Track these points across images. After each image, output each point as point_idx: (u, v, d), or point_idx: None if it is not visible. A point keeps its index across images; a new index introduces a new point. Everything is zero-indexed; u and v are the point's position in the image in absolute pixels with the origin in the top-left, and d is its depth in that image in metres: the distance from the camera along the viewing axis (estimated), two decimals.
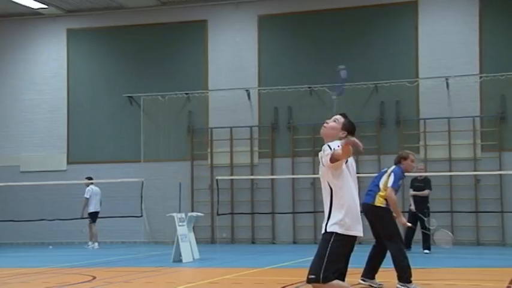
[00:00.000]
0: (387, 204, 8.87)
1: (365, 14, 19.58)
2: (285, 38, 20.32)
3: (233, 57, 20.43)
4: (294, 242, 19.06)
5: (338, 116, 5.43)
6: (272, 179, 19.42)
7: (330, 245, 4.94)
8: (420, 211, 15.36)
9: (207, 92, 20.44)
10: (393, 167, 9.32)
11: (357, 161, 20.47)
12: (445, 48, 18.86)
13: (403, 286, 8.57)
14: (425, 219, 15.05)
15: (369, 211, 8.87)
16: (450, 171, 18.19)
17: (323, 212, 5.35)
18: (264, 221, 19.61)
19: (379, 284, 8.92)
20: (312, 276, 4.93)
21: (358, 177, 17.80)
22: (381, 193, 8.95)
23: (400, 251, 8.65)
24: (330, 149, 5.10)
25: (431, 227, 14.94)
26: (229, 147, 20.18)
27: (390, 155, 18.79)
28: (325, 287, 4.91)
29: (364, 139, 19.14)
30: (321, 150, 5.22)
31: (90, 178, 18.93)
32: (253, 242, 19.79)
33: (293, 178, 19.21)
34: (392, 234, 8.75)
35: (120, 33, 21.47)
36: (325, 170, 5.14)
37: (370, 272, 8.97)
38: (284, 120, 19.84)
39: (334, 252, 4.92)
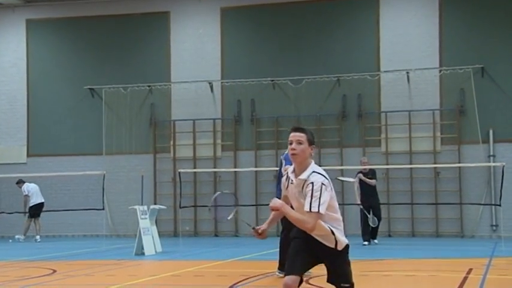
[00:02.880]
0: None
1: (327, 7, 19.70)
2: (248, 31, 20.32)
3: (196, 50, 20.35)
4: (236, 236, 19.14)
5: (297, 134, 4.98)
6: (235, 172, 19.45)
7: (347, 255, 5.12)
8: (369, 205, 15.26)
9: (170, 84, 20.32)
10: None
11: (319, 154, 20.79)
12: (406, 42, 19.11)
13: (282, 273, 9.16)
14: (369, 216, 15.11)
15: None
16: (411, 164, 18.48)
17: None
18: (227, 214, 19.59)
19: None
20: (348, 285, 5.05)
21: None
22: None
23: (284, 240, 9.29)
24: (314, 197, 4.81)
25: (372, 225, 15.12)
26: (192, 140, 20.13)
27: (352, 148, 19.15)
28: None
29: (326, 132, 19.38)
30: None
31: (20, 181, 18.71)
32: (216, 235, 19.80)
33: (256, 171, 19.28)
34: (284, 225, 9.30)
35: (82, 24, 21.16)
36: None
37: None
38: (247, 113, 19.87)
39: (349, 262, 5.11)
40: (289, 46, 19.78)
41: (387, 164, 18.58)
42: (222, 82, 20.02)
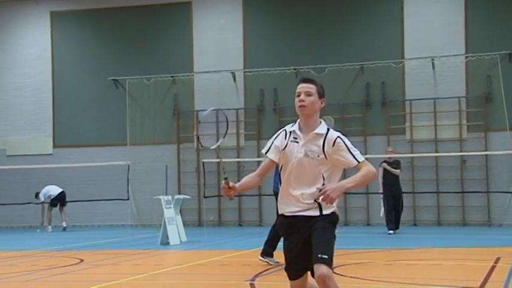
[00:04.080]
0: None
1: None
2: (270, 20, 20.23)
3: (218, 40, 20.33)
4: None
5: (307, 85, 4.52)
6: (258, 161, 19.42)
7: (333, 227, 4.47)
8: (392, 194, 15.22)
9: (193, 75, 20.35)
10: None
11: None
12: (431, 29, 18.87)
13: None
14: (383, 208, 15.11)
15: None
16: (436, 152, 18.29)
17: None
18: (251, 203, 19.65)
19: (277, 262, 9.27)
20: (325, 257, 4.28)
21: None
22: None
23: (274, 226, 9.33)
24: (352, 148, 4.42)
25: (381, 215, 15.11)
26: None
27: (376, 136, 19.00)
28: (331, 273, 4.30)
29: (349, 121, 19.25)
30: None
31: (36, 194, 18.98)
32: (240, 225, 19.84)
33: None
34: None
35: (105, 16, 21.25)
36: (324, 161, 4.40)
37: (270, 250, 9.42)
38: (270, 103, 19.82)
39: (334, 235, 4.48)
40: (312, 34, 19.66)
41: (412, 153, 18.41)
42: (244, 72, 19.98)
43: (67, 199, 18.92)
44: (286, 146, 4.53)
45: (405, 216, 17.69)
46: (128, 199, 18.14)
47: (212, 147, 4.66)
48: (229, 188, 4.47)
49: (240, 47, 20.13)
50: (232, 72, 20.01)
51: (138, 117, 20.63)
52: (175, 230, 13.65)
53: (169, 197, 14.05)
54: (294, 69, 19.48)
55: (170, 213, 13.63)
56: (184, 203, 15.50)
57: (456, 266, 9.72)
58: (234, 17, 20.23)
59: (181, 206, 15.03)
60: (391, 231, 15.19)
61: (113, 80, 20.81)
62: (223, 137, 4.67)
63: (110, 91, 20.92)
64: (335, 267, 8.65)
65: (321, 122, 4.53)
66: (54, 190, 18.89)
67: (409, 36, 18.97)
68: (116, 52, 21.10)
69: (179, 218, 14.22)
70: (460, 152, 18.15)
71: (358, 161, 4.41)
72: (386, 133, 18.83)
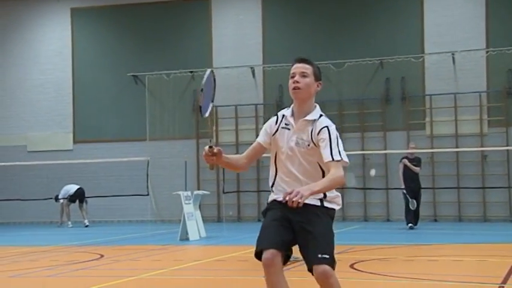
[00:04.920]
0: None
1: None
2: (289, 15, 20.17)
3: (237, 35, 20.32)
4: None
5: (302, 65, 4.07)
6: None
7: (331, 223, 4.04)
8: (411, 189, 15.15)
9: (211, 70, 20.31)
10: None
11: (362, 138, 20.63)
12: (451, 23, 18.68)
13: None
14: (410, 200, 14.98)
15: None
16: (457, 147, 18.12)
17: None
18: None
19: (296, 258, 9.08)
20: (327, 256, 3.86)
21: (363, 154, 17.77)
22: None
23: None
24: (334, 143, 3.97)
25: (412, 208, 14.97)
26: (235, 125, 20.15)
27: (396, 132, 18.88)
28: (332, 272, 3.89)
29: (369, 116, 19.16)
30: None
31: (56, 197, 19.07)
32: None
33: None
34: None
35: (124, 12, 21.35)
36: (316, 151, 4.00)
37: None
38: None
39: (333, 232, 4.04)
40: (331, 29, 19.57)
41: (432, 148, 18.27)
42: (263, 67, 19.96)
43: (87, 195, 19.01)
44: (276, 131, 4.14)
45: (425, 211, 17.58)
46: (147, 194, 18.21)
47: (206, 115, 4.28)
48: (213, 154, 4.05)
49: (259, 43, 20.10)
50: (251, 68, 20.00)
51: (157, 113, 20.71)
52: (195, 225, 13.69)
53: (189, 193, 14.09)
54: None
55: (189, 209, 13.67)
56: (204, 199, 15.55)
57: (477, 262, 9.62)
58: (252, 12, 20.21)
59: (201, 201, 15.07)
60: (411, 224, 15.12)
61: (133, 75, 20.90)
62: (212, 101, 4.29)
63: (130, 87, 21.02)
64: (354, 263, 8.64)
65: (315, 107, 4.10)
66: (71, 188, 18.97)
67: (429, 30, 18.80)
68: (136, 48, 21.19)
69: (198, 213, 14.26)
70: (480, 147, 17.97)
71: (329, 158, 3.91)
72: (406, 128, 18.70)
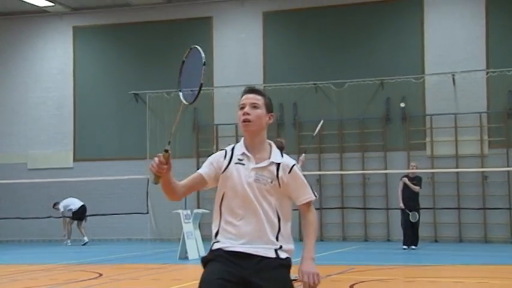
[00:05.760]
0: None
1: (370, 9, 19.50)
2: (290, 35, 20.27)
3: (238, 54, 20.41)
4: (300, 240, 18.95)
5: (252, 96, 3.76)
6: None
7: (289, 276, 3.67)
8: (409, 209, 15.19)
9: (212, 89, 20.41)
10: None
11: (362, 158, 20.60)
12: (451, 44, 18.77)
13: None
14: (410, 213, 15.02)
15: None
16: (457, 167, 18.11)
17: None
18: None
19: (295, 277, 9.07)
20: None
21: (363, 174, 17.73)
22: None
23: None
24: (305, 182, 3.79)
25: (412, 220, 15.00)
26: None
27: (396, 152, 18.87)
28: None
29: (369, 135, 19.16)
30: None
31: (55, 204, 19.07)
32: None
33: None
34: None
35: (126, 30, 21.47)
36: (277, 190, 3.68)
37: None
38: (290, 117, 19.81)
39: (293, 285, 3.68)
40: (332, 49, 19.65)
41: (433, 168, 18.26)
42: (264, 86, 20.00)
43: (87, 213, 18.99)
44: (227, 167, 3.70)
45: (426, 232, 17.52)
46: (147, 213, 18.19)
47: (186, 103, 3.65)
48: (167, 162, 3.51)
49: (260, 62, 20.19)
50: None
51: (158, 131, 20.73)
52: (194, 244, 13.63)
53: (188, 212, 14.06)
54: (314, 83, 19.46)
55: (189, 228, 13.62)
56: (203, 218, 15.51)
57: (478, 284, 9.56)
58: (254, 31, 20.32)
59: (200, 220, 15.03)
60: (405, 247, 15.13)
61: (134, 94, 20.96)
62: (198, 93, 3.65)
63: (130, 105, 21.06)
64: (354, 283, 8.58)
65: (270, 145, 3.80)
66: (75, 204, 18.95)
67: (429, 51, 18.88)
68: (137, 66, 21.28)
69: (198, 232, 14.21)
70: (481, 167, 17.95)
71: (305, 200, 3.75)
72: (407, 148, 18.70)
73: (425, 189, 16.60)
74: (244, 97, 3.81)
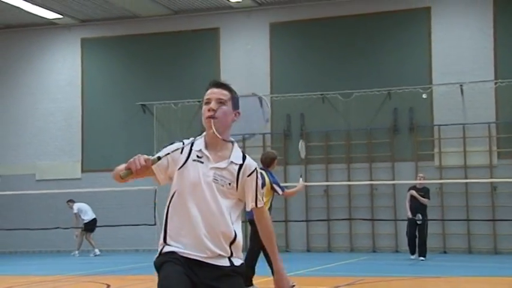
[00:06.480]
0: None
1: (378, 20, 19.51)
2: (296, 45, 20.29)
3: (245, 65, 20.44)
4: (308, 250, 18.94)
5: (219, 91, 3.59)
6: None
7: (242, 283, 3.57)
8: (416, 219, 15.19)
9: None
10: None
11: (370, 168, 20.55)
12: (459, 54, 18.73)
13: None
14: (417, 216, 15.01)
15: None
16: (466, 178, 18.01)
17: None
18: (277, 228, 19.50)
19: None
20: None
21: (371, 185, 17.66)
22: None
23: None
24: (257, 195, 3.60)
25: (418, 221, 14.95)
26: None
27: (404, 162, 18.80)
28: None
29: (377, 146, 19.11)
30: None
31: (71, 200, 19.11)
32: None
33: (306, 185, 19.14)
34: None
35: (134, 42, 21.56)
36: (234, 192, 3.55)
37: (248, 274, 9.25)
38: (297, 127, 19.79)
39: None
40: (339, 60, 19.66)
41: (441, 179, 18.17)
42: (271, 96, 20.01)
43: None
44: (184, 164, 3.49)
45: (434, 243, 17.41)
46: (154, 224, 18.14)
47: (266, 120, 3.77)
48: (147, 167, 3.43)
49: (266, 72, 20.21)
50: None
51: (165, 142, 20.61)
52: None
53: None
54: (321, 94, 19.46)
55: None
56: None
57: None
58: (260, 42, 20.36)
59: None
60: (413, 257, 15.11)
61: (141, 105, 21.01)
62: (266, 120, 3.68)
63: (138, 116, 21.11)
64: None
65: (233, 143, 3.62)
66: (88, 214, 18.91)
67: (437, 61, 18.85)
68: (144, 77, 21.35)
69: None
70: (490, 178, 17.85)
71: (254, 205, 3.56)
72: (415, 159, 18.63)
73: (433, 200, 16.52)
74: (209, 91, 3.58)
